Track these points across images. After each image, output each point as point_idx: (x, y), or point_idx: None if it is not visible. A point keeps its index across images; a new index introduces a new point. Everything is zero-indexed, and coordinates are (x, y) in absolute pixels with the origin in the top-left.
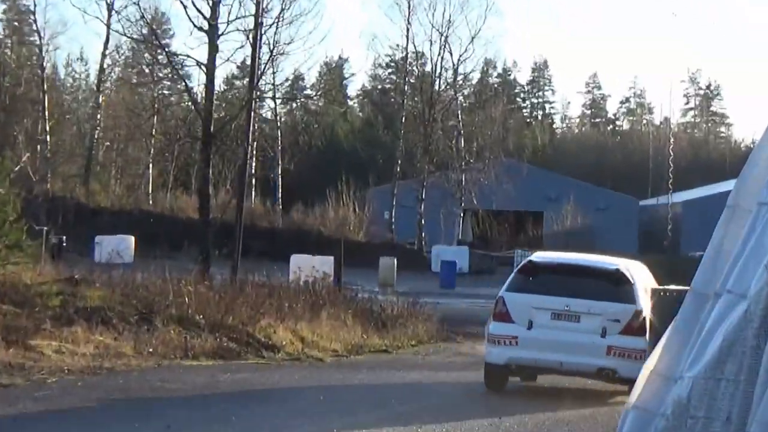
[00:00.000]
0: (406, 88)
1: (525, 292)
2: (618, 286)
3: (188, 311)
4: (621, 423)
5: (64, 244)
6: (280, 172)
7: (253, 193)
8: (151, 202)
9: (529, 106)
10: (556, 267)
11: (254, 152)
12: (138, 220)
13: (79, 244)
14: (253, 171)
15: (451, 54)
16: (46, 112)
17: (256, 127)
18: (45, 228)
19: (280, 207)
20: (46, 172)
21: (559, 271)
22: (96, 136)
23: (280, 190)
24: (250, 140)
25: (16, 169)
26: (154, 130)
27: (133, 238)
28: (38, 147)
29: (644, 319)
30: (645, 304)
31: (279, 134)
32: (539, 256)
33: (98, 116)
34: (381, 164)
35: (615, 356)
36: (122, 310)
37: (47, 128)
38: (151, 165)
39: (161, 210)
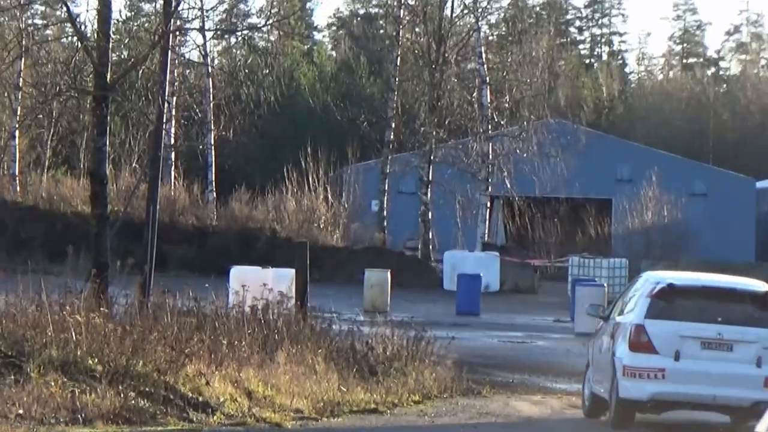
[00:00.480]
0: (402, 13)
1: (668, 319)
2: None
3: (76, 353)
4: None
5: None
6: (213, 142)
7: (173, 174)
8: (17, 187)
9: (589, 39)
10: (700, 290)
11: (173, 112)
12: None
13: None
14: (173, 141)
15: None
16: None
17: (176, 75)
18: None
19: (214, 195)
20: None
21: (703, 295)
22: None
23: (213, 170)
24: (166, 94)
25: None
26: (21, 79)
27: None
28: None
29: None
30: None
31: (210, 85)
32: (677, 277)
33: None
34: (365, 129)
35: None
36: None
37: None
38: (17, 133)
39: (34, 200)
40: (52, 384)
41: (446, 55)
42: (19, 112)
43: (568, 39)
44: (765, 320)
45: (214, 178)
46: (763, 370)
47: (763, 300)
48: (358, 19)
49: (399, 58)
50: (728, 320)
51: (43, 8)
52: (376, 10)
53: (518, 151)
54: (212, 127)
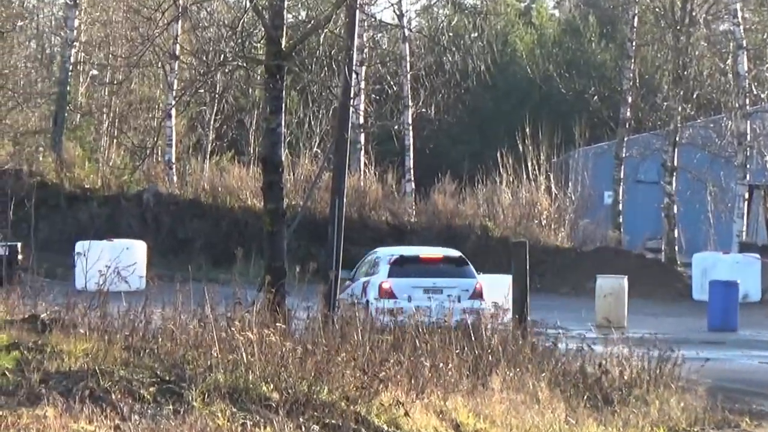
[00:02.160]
0: None
1: (403, 277)
2: (464, 266)
3: (248, 377)
4: None
5: (20, 258)
6: (410, 121)
7: (362, 160)
8: (175, 178)
9: None
10: (419, 258)
11: (363, 85)
12: (152, 212)
13: (47, 256)
14: (362, 120)
15: None
16: None
17: (365, 40)
18: None
19: (413, 186)
20: None
21: (422, 261)
22: (72, 60)
23: (411, 155)
24: (354, 63)
25: None
26: (177, 46)
27: (144, 246)
28: None
29: (481, 287)
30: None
31: (407, 52)
32: (405, 250)
33: (76, 24)
34: (595, 104)
35: (467, 314)
36: (128, 377)
37: None
38: (173, 111)
39: (194, 192)
40: (219, 415)
41: (694, 14)
42: (175, 86)
43: None
44: (460, 274)
45: (412, 165)
46: (462, 304)
47: (458, 261)
48: None
49: (636, 18)
50: (439, 275)
51: None
52: None
53: None
54: (410, 103)
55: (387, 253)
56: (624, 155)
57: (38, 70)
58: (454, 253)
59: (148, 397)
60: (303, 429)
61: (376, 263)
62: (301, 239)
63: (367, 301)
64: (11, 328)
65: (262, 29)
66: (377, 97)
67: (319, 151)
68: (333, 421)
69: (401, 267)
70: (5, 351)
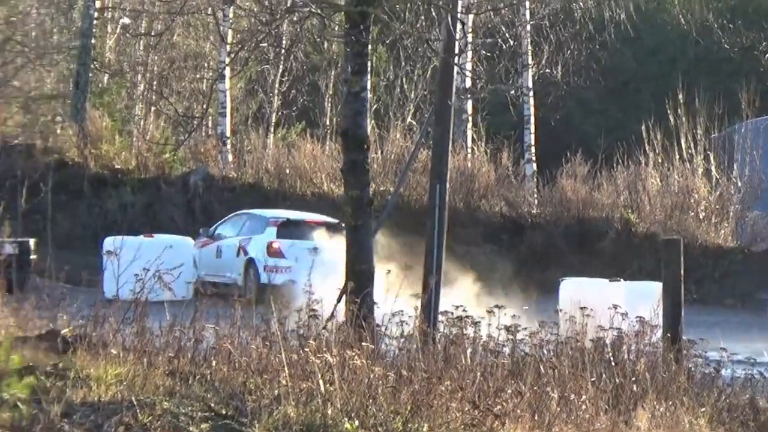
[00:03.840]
0: None
1: (289, 238)
2: (343, 231)
3: (326, 411)
4: None
5: (33, 258)
6: (530, 84)
7: (470, 134)
8: (230, 156)
9: None
10: (303, 222)
11: (470, 39)
12: (201, 199)
13: (68, 255)
14: (469, 84)
15: None
16: None
17: None
18: None
19: (534, 168)
20: None
21: (306, 225)
22: (98, 5)
23: (533, 128)
24: (459, 9)
25: None
26: None
27: (191, 243)
28: None
29: None
30: None
31: None
32: (289, 214)
33: None
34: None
35: None
36: (173, 410)
37: None
38: (227, 71)
39: (254, 174)
40: None
41: None
42: (230, 39)
43: None
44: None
45: (533, 142)
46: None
47: (336, 227)
48: None
49: None
50: (320, 238)
51: None
52: None
53: None
54: (530, 62)
55: (270, 215)
56: None
57: (55, 18)
58: (333, 220)
59: None
60: None
61: (254, 224)
62: (391, 234)
63: (250, 259)
64: (24, 348)
65: None
66: (489, 54)
67: (414, 123)
68: None
69: (288, 229)
70: (17, 376)
